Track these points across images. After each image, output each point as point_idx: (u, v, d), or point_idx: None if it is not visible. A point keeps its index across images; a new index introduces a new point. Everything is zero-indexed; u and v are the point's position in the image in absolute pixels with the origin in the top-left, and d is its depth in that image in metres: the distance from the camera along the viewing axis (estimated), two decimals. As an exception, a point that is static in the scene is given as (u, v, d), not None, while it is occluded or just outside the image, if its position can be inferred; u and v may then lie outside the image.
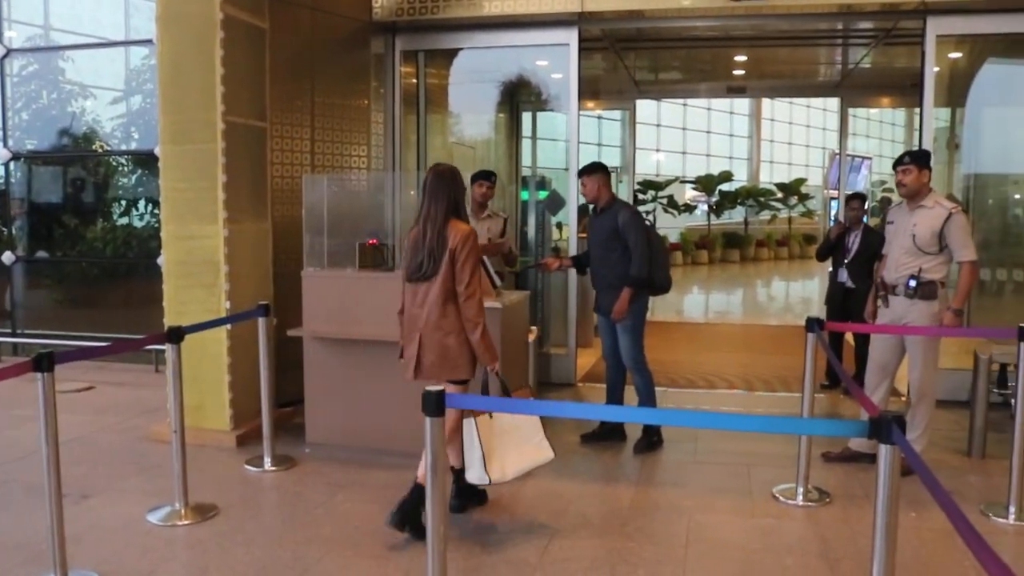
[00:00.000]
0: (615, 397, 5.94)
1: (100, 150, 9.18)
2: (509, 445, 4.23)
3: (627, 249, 5.59)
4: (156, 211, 8.05)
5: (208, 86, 5.59)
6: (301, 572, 3.87)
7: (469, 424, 4.13)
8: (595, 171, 5.74)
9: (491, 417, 4.20)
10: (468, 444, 4.15)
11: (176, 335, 4.59)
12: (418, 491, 4.12)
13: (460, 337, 4.20)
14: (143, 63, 8.99)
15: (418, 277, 4.24)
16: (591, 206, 5.93)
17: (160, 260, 5.84)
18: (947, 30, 6.76)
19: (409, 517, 4.17)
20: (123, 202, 9.24)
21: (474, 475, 4.18)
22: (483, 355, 4.20)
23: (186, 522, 4.44)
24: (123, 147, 9.23)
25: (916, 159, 5.12)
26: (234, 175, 5.71)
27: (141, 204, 9.11)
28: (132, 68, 9.25)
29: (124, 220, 9.12)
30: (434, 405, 3.04)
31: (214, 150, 5.62)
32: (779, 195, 28.61)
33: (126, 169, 9.27)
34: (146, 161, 8.70)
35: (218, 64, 5.57)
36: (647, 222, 5.88)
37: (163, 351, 4.69)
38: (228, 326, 5.68)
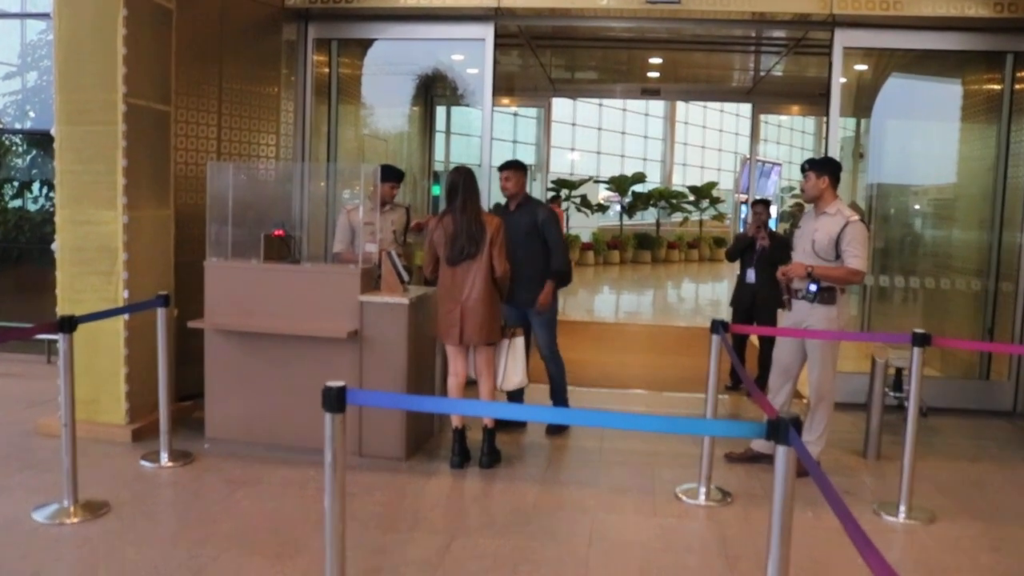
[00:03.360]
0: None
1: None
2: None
3: (544, 244, 5.87)
4: (51, 194, 7.72)
5: (109, 65, 5.39)
6: (195, 572, 3.76)
7: (520, 341, 5.52)
8: (520, 167, 5.98)
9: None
10: (519, 357, 5.51)
11: (68, 324, 4.42)
12: (489, 433, 5.35)
13: (496, 309, 5.33)
14: (40, 37, 8.60)
15: (460, 259, 5.21)
16: (503, 202, 6.10)
17: (54, 246, 5.60)
18: (854, 42, 6.96)
19: (495, 454, 5.37)
20: (15, 184, 8.83)
21: (516, 381, 5.51)
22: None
23: (74, 520, 4.28)
24: (17, 125, 8.82)
25: (814, 166, 5.27)
26: (135, 159, 5.53)
27: (36, 186, 8.72)
28: (28, 42, 8.83)
29: (17, 203, 8.73)
30: (335, 401, 3.01)
31: (114, 132, 5.43)
32: (691, 198, 29.12)
33: (20, 149, 8.86)
34: (41, 141, 8.33)
35: (120, 43, 5.37)
36: None
37: (56, 341, 4.49)
38: (126, 316, 5.49)
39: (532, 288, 5.85)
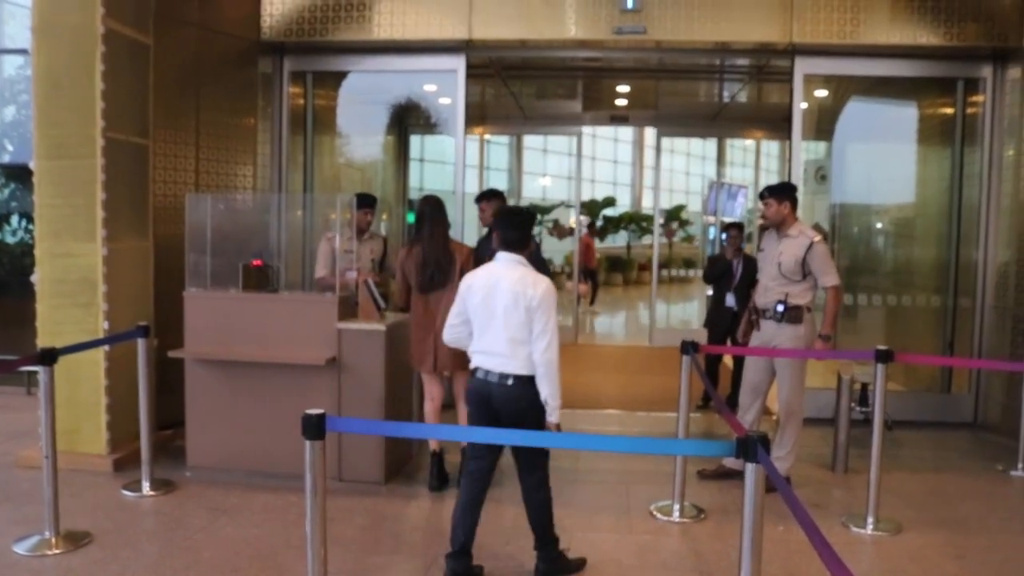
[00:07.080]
0: None
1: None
2: None
3: None
4: (30, 227, 7.72)
5: (88, 101, 5.45)
6: (180, 598, 3.79)
7: None
8: (494, 197, 5.98)
9: None
10: None
11: (49, 357, 4.44)
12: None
13: None
14: (18, 72, 8.65)
15: (430, 288, 5.23)
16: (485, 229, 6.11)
17: (34, 278, 5.63)
18: (813, 70, 7.17)
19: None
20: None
21: None
22: None
23: (57, 551, 4.28)
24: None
25: (774, 193, 5.43)
26: (114, 192, 5.58)
27: (14, 220, 8.71)
28: (6, 77, 8.87)
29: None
30: (314, 428, 3.05)
31: (93, 166, 5.48)
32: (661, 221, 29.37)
33: (-2, 182, 8.87)
34: (20, 175, 8.33)
35: (98, 79, 5.43)
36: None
37: (36, 373, 4.52)
38: (106, 347, 5.52)
39: None
